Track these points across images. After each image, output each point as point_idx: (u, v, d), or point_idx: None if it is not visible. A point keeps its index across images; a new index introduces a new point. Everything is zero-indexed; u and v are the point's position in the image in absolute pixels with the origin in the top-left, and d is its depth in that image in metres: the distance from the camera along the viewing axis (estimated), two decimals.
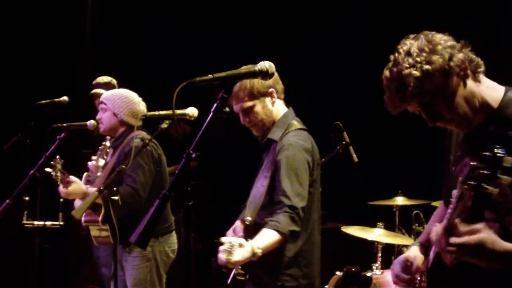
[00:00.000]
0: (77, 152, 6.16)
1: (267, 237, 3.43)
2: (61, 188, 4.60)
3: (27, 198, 5.68)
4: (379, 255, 5.51)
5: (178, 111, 4.19)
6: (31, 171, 4.77)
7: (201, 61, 7.63)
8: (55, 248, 6.28)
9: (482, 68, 2.55)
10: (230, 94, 2.66)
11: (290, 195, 3.47)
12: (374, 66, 7.72)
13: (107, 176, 4.67)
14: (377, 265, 5.47)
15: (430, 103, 2.48)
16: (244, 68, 2.83)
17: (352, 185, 7.06)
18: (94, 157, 5.09)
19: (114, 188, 4.04)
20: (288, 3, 7.87)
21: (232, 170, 7.93)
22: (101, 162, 5.60)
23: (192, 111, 4.25)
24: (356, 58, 7.52)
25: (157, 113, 4.57)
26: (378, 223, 5.57)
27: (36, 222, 5.63)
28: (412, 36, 2.56)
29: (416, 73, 2.42)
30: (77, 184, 4.59)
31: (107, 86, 6.31)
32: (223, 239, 3.47)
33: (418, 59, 2.44)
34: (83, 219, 4.61)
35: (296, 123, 3.69)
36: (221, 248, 3.44)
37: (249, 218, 3.60)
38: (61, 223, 5.96)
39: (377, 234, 5.49)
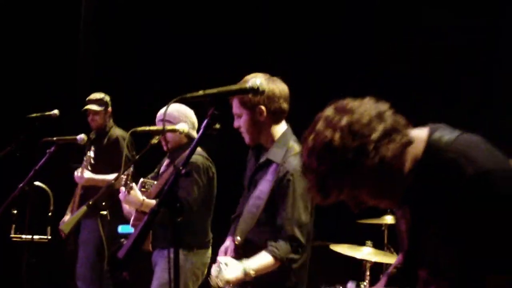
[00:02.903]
0: (67, 166, 6.14)
1: (262, 260, 3.45)
2: (123, 194, 4.62)
3: (15, 212, 5.67)
4: (368, 273, 5.51)
5: (169, 127, 4.21)
6: (20, 185, 4.76)
7: (194, 73, 7.64)
8: (43, 262, 6.26)
9: (407, 137, 2.19)
10: (220, 111, 2.65)
11: (294, 226, 3.47)
12: (367, 73, 7.75)
13: (162, 185, 4.77)
14: (365, 283, 5.47)
15: (351, 197, 2.29)
16: (235, 85, 2.85)
17: (340, 203, 7.04)
18: (79, 169, 5.11)
19: (103, 203, 4.04)
20: (284, 7, 7.86)
21: (221, 185, 7.92)
22: (87, 173, 5.63)
23: (182, 127, 4.28)
24: (349, 64, 7.51)
25: (147, 128, 4.60)
26: (366, 241, 5.57)
27: (24, 236, 5.62)
28: (334, 114, 2.19)
29: (332, 179, 2.18)
30: (135, 191, 4.63)
31: (99, 102, 6.39)
32: (218, 258, 3.52)
33: (334, 161, 2.14)
34: (131, 223, 4.74)
35: (296, 146, 3.61)
36: (212, 270, 3.48)
37: (239, 238, 3.60)
38: (49, 237, 5.95)
39: (366, 253, 5.49)
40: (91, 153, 5.21)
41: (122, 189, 4.63)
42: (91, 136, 6.42)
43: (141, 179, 4.87)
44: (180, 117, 4.86)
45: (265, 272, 3.46)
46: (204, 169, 4.80)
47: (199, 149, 4.85)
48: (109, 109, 6.44)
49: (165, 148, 4.90)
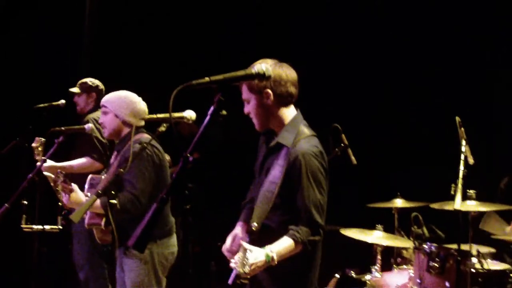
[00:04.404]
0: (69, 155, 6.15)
1: (283, 244, 3.45)
2: (65, 198, 4.58)
3: (25, 202, 5.68)
4: (379, 257, 5.51)
5: (176, 114, 4.19)
6: (30, 175, 4.77)
7: (201, 63, 7.65)
8: (54, 252, 6.28)
9: None
10: (227, 97, 2.64)
11: (311, 208, 3.47)
12: (372, 68, 7.81)
13: (110, 179, 4.67)
14: (376, 267, 5.47)
15: None
16: (241, 71, 2.84)
17: (351, 187, 7.07)
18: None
19: (112, 192, 4.03)
20: (285, 4, 7.87)
21: (230, 172, 7.93)
22: (47, 161, 5.58)
23: (190, 114, 4.26)
24: (354, 60, 7.53)
25: (154, 116, 4.58)
26: (377, 225, 5.57)
27: (34, 226, 5.64)
28: None
29: None
30: (77, 193, 4.56)
31: (82, 86, 6.37)
32: (243, 244, 3.45)
33: None
34: (86, 221, 4.62)
35: (306, 130, 3.64)
36: (235, 260, 3.43)
37: (256, 224, 3.58)
38: (60, 227, 5.97)
39: (376, 237, 5.49)
40: (33, 144, 5.25)
41: (63, 197, 4.57)
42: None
43: (89, 176, 4.79)
44: (118, 103, 4.77)
45: (288, 256, 3.45)
46: (147, 157, 4.61)
47: (145, 136, 4.71)
48: (93, 93, 6.38)
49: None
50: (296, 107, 3.72)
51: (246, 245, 3.43)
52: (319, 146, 3.62)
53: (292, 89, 3.64)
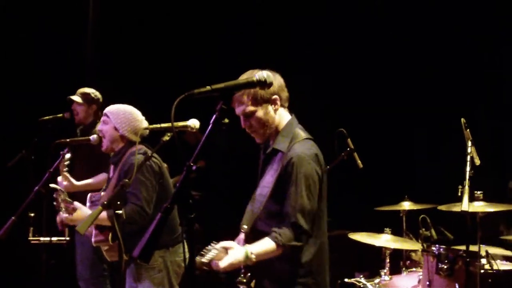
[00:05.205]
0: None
1: (264, 245, 3.44)
2: (64, 215, 4.58)
3: (32, 214, 5.68)
4: (387, 260, 5.49)
5: (180, 123, 4.19)
6: (36, 187, 4.77)
7: (203, 72, 7.65)
8: (62, 264, 6.28)
9: None
10: (229, 105, 2.64)
11: (297, 212, 3.45)
12: (377, 72, 7.80)
13: (112, 193, 4.65)
14: (385, 270, 5.45)
15: None
16: (242, 79, 2.83)
17: (358, 191, 7.05)
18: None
19: (118, 202, 4.02)
20: (289, 9, 7.88)
21: (237, 179, 7.93)
22: (73, 180, 5.56)
23: (194, 123, 4.25)
24: (359, 64, 7.52)
25: (158, 126, 4.57)
26: (385, 228, 5.55)
27: (42, 238, 5.64)
28: None
29: None
30: (81, 210, 4.56)
31: (84, 96, 6.32)
32: (222, 243, 3.47)
33: None
34: (93, 240, 4.61)
35: (302, 133, 3.63)
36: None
37: (245, 226, 3.61)
38: (67, 238, 5.96)
39: (385, 240, 5.47)
40: (67, 155, 5.21)
41: (64, 214, 4.57)
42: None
43: (89, 194, 4.78)
44: (121, 117, 4.78)
45: (266, 257, 3.44)
46: (147, 167, 4.61)
47: (144, 148, 4.71)
48: (94, 106, 6.32)
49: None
50: (290, 112, 3.72)
51: (225, 243, 3.45)
52: (313, 148, 3.60)
53: (287, 93, 3.68)
